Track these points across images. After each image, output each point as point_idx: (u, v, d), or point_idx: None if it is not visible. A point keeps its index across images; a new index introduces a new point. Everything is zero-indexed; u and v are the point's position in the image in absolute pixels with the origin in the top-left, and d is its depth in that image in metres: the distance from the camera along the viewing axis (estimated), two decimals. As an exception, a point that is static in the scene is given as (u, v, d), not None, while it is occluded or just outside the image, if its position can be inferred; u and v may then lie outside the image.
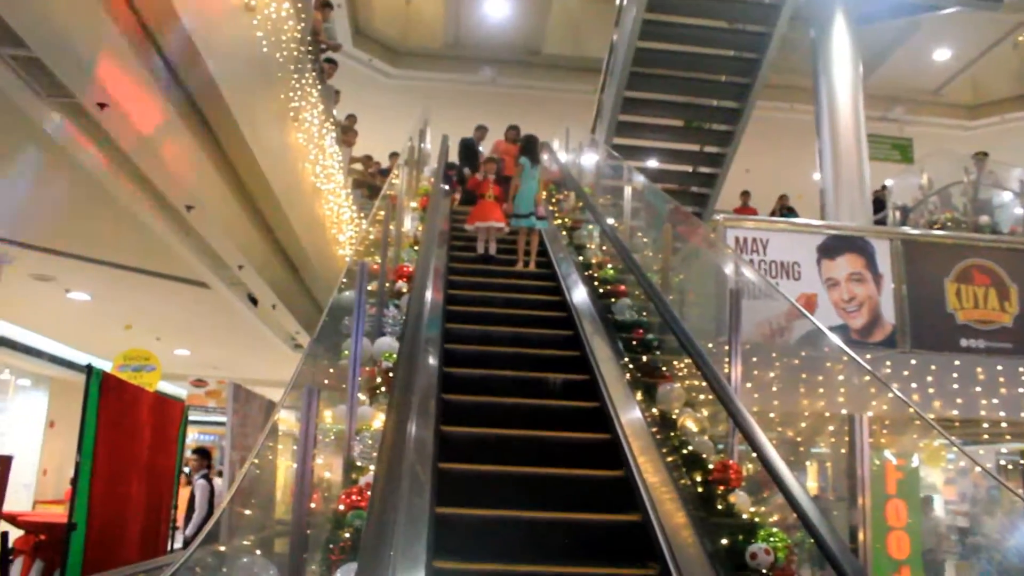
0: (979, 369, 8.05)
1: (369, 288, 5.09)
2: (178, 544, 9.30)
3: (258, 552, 3.13)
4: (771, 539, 3.75)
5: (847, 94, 10.63)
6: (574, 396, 5.47)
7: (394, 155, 13.42)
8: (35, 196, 7.85)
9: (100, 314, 12.92)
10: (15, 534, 8.39)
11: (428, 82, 16.76)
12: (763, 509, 4.03)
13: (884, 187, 12.99)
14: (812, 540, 3.00)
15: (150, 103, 6.05)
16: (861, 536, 3.34)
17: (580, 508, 4.24)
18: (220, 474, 9.72)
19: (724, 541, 3.80)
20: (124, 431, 7.58)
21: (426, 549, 3.27)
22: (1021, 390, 8.00)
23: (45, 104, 5.81)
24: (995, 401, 7.98)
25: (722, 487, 4.17)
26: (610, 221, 8.44)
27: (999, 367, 8.08)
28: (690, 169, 12.87)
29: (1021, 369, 8.07)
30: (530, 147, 9.15)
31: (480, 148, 13.32)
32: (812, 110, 10.98)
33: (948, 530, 11.70)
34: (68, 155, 6.49)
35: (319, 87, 9.93)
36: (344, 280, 4.53)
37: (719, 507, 4.09)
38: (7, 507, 8.25)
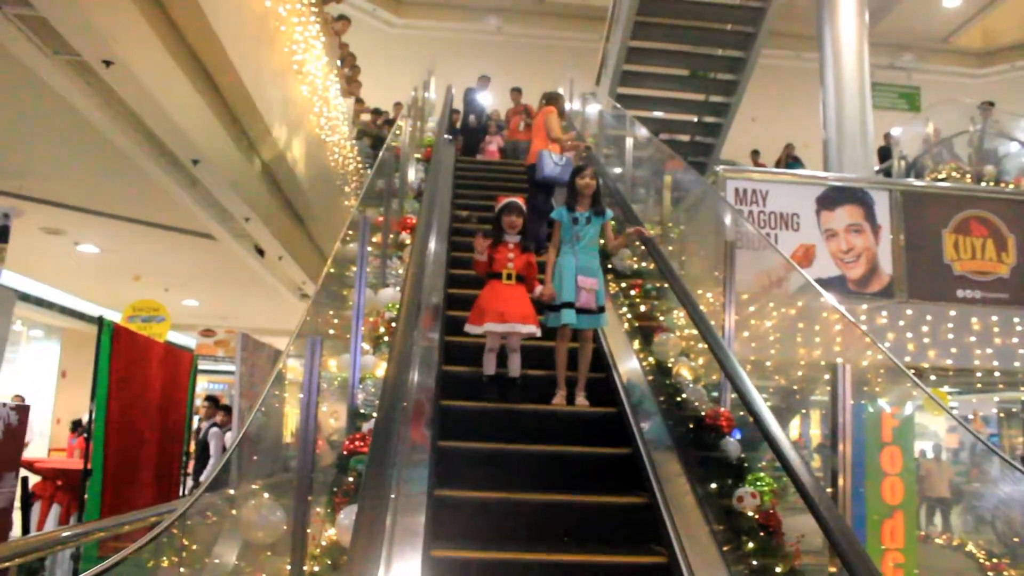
0: (974, 319, 8.16)
1: (373, 240, 5.17)
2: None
3: (266, 496, 3.27)
4: (758, 483, 3.91)
5: (852, 42, 10.46)
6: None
7: (398, 105, 13.44)
8: (44, 152, 7.97)
9: (109, 266, 13.10)
10: (33, 480, 8.67)
11: (432, 31, 16.70)
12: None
13: (888, 135, 12.95)
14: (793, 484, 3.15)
15: (155, 60, 6.11)
16: (841, 481, 3.51)
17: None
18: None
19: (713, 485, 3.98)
20: (135, 381, 7.78)
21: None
22: (1015, 340, 8.12)
23: (52, 62, 5.89)
24: (989, 351, 8.10)
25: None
26: (618, 170, 8.46)
27: (994, 317, 8.19)
28: (695, 119, 12.85)
29: (1016, 319, 8.18)
30: (575, 185, 5.08)
31: (483, 102, 13.31)
32: (818, 58, 10.89)
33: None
34: (76, 112, 6.59)
35: (322, 39, 9.92)
36: (348, 231, 4.60)
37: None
38: (24, 454, 8.49)
